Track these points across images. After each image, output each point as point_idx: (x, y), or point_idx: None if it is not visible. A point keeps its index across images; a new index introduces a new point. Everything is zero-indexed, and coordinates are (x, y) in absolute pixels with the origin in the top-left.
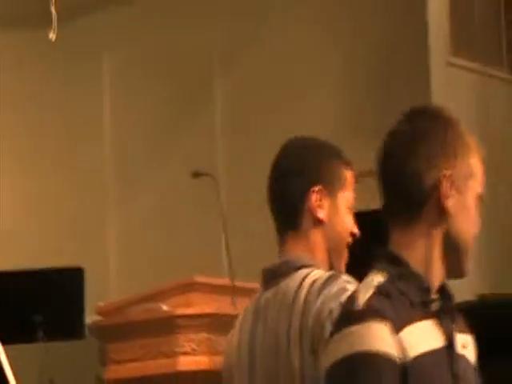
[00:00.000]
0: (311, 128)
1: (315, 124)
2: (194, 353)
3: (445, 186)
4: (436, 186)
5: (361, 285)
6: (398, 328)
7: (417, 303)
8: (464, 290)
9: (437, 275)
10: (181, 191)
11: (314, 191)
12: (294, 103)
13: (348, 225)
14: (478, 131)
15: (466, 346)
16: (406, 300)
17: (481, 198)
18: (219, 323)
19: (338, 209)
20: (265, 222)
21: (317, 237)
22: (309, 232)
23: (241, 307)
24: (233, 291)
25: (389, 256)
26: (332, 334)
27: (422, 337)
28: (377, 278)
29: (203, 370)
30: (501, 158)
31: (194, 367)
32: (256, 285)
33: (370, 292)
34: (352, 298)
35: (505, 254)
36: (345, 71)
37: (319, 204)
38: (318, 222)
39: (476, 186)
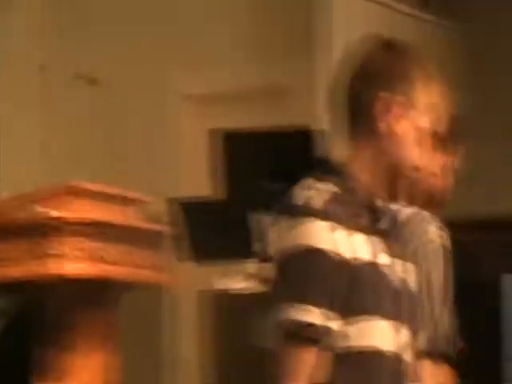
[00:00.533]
0: None
1: None
2: (75, 259)
3: (379, 107)
4: (372, 106)
5: (314, 189)
6: (349, 232)
7: (361, 217)
8: None
9: (377, 192)
10: None
11: None
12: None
13: None
14: None
15: (406, 271)
16: (352, 211)
17: (432, 134)
18: (104, 231)
19: None
20: None
21: None
22: None
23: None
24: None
25: (338, 168)
26: (280, 224)
27: (368, 247)
28: (329, 187)
29: (84, 277)
30: None
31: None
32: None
33: (327, 197)
34: (306, 198)
35: None
36: None
37: None
38: None
39: (419, 118)
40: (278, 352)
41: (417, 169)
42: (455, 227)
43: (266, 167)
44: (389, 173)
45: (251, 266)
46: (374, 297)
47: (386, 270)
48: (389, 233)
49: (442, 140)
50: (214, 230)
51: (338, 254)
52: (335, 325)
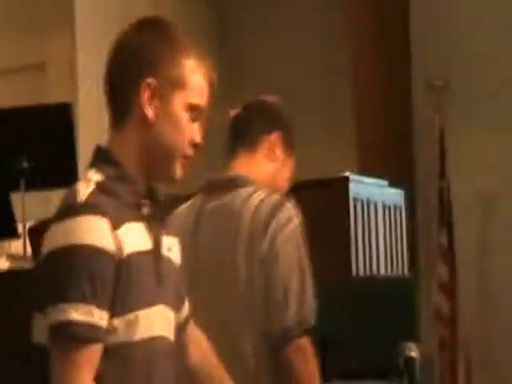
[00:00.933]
0: None
1: None
2: None
3: (144, 94)
4: (138, 94)
5: (81, 181)
6: (115, 225)
7: (131, 205)
8: None
9: (145, 179)
10: None
11: None
12: None
13: None
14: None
15: (172, 248)
16: (121, 200)
17: (198, 108)
18: None
19: None
20: None
21: None
22: None
23: None
24: None
25: (105, 156)
26: (51, 224)
27: (134, 237)
28: (96, 176)
29: None
30: None
31: None
32: None
33: (91, 188)
34: (74, 191)
35: None
36: None
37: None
38: None
39: (186, 95)
40: (53, 352)
41: (195, 145)
42: None
43: (25, 144)
44: (164, 156)
45: (14, 245)
46: (140, 289)
47: (150, 257)
48: (153, 216)
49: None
50: None
51: (103, 249)
52: (103, 321)
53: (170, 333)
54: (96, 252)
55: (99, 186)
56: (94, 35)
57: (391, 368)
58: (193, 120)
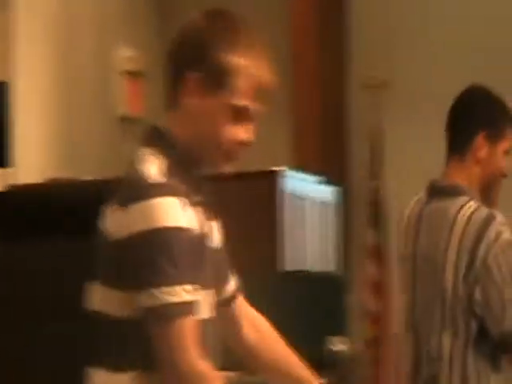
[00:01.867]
0: None
1: None
2: None
3: (187, 86)
4: (183, 84)
5: (142, 161)
6: (184, 206)
7: (190, 189)
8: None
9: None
10: None
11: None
12: None
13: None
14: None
15: (212, 231)
16: (183, 183)
17: (245, 110)
18: None
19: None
20: None
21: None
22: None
23: None
24: None
25: (166, 138)
26: (126, 204)
27: (199, 219)
28: (159, 158)
29: None
30: None
31: None
32: None
33: (159, 169)
34: (139, 172)
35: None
36: None
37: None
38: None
39: (230, 97)
40: (158, 332)
41: (241, 144)
42: None
43: None
44: (203, 148)
45: None
46: (205, 270)
47: (208, 241)
48: (205, 200)
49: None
50: None
51: (186, 228)
52: (200, 296)
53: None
54: (181, 231)
55: (165, 169)
56: (33, 14)
57: (318, 362)
58: (238, 121)
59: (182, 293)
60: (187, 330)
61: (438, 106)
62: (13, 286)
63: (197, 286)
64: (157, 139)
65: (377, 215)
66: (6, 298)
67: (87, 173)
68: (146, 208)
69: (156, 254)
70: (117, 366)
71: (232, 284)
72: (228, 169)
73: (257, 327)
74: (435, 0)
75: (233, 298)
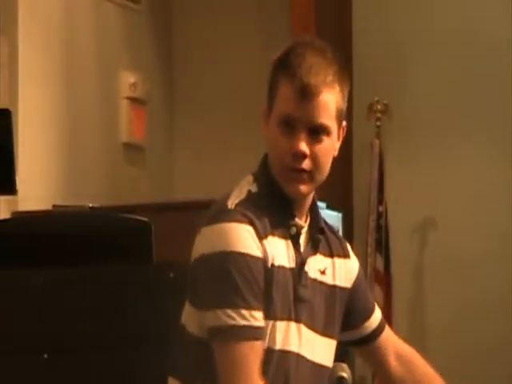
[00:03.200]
0: None
1: None
2: None
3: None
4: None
5: (235, 190)
6: (261, 235)
7: (279, 222)
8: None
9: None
10: None
11: None
12: None
13: None
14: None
15: (326, 270)
16: (269, 215)
17: (291, 118)
18: None
19: None
20: None
21: None
22: None
23: None
24: None
25: (264, 166)
26: (202, 226)
27: (278, 251)
28: (251, 186)
29: None
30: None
31: None
32: None
33: (243, 196)
34: (226, 196)
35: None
36: None
37: None
38: None
39: (277, 107)
40: (220, 352)
41: (296, 155)
42: None
43: None
44: (275, 171)
45: None
46: (278, 301)
47: (291, 275)
48: (298, 237)
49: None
50: None
51: (254, 255)
52: (259, 322)
53: (310, 354)
54: (247, 258)
55: (251, 196)
56: (36, 41)
57: None
58: (289, 131)
59: (247, 316)
60: (249, 354)
61: (439, 131)
62: None
63: (261, 314)
64: (260, 165)
65: (384, 241)
66: None
67: (91, 199)
68: (218, 231)
69: (222, 277)
70: (190, 381)
71: (374, 321)
72: (302, 189)
73: (403, 359)
74: (439, 24)
75: (374, 335)
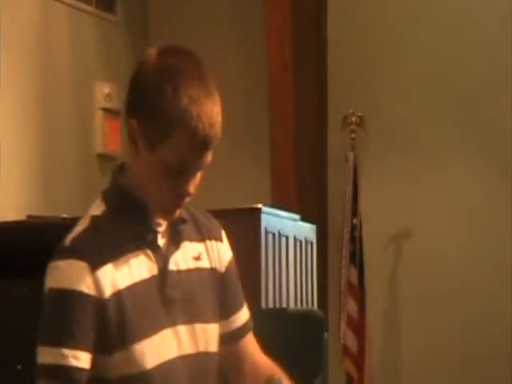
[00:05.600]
0: None
1: None
2: None
3: (130, 131)
4: (128, 128)
5: (82, 218)
6: (96, 267)
7: (134, 234)
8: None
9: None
10: None
11: None
12: None
13: None
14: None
15: (201, 255)
16: (118, 234)
17: (182, 165)
18: None
19: None
20: None
21: None
22: None
23: None
24: None
25: (115, 181)
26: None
27: (127, 271)
28: (97, 209)
29: None
30: None
31: None
32: None
33: (85, 225)
34: (69, 233)
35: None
36: None
37: None
38: None
39: (165, 155)
40: None
41: (182, 196)
42: None
43: None
44: (149, 196)
45: None
46: (138, 321)
47: (152, 283)
48: (155, 241)
49: None
50: None
51: (82, 292)
52: (78, 362)
53: (193, 347)
54: (74, 297)
55: (93, 223)
56: (11, 53)
57: None
58: (176, 176)
59: (66, 355)
60: None
61: (413, 143)
62: None
63: (84, 354)
64: (111, 180)
65: (358, 253)
66: None
67: (66, 210)
68: (51, 268)
69: (48, 315)
70: None
71: (240, 319)
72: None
73: (255, 366)
74: (413, 36)
75: (238, 334)
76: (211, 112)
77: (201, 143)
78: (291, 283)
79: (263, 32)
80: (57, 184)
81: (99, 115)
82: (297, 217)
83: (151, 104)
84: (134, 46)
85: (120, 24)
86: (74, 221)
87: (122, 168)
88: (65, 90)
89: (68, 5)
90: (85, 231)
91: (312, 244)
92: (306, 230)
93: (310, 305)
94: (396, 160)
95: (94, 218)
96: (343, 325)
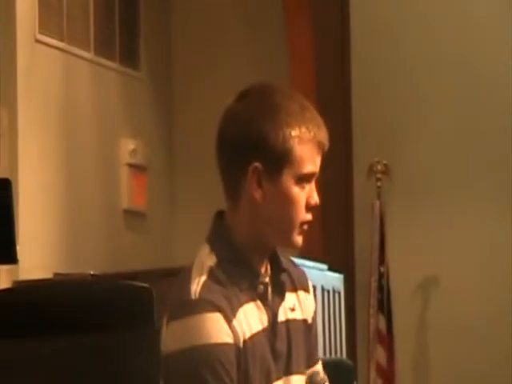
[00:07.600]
0: None
1: None
2: None
3: (251, 179)
4: (245, 179)
5: (194, 268)
6: (230, 316)
7: (245, 287)
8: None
9: (264, 252)
10: None
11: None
12: None
13: None
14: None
15: (295, 306)
16: (235, 284)
17: (310, 176)
18: None
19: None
20: None
21: None
22: None
23: None
24: None
25: (221, 235)
26: (169, 320)
27: (249, 320)
28: (210, 260)
29: None
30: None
31: None
32: None
33: (204, 278)
34: (187, 282)
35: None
36: None
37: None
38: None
39: (296, 169)
40: None
41: (312, 208)
42: None
43: None
44: (280, 231)
45: None
46: (258, 371)
47: (266, 335)
48: (266, 293)
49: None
50: None
51: (226, 343)
52: None
53: None
54: (217, 349)
55: (212, 274)
56: (35, 111)
57: None
58: (305, 187)
59: None
60: None
61: (439, 190)
62: None
63: None
64: (214, 234)
65: (386, 301)
66: None
67: (92, 266)
68: (185, 325)
69: (193, 375)
70: None
71: (320, 370)
72: (297, 248)
73: None
74: (436, 83)
75: None
76: (316, 115)
77: (318, 147)
78: (320, 333)
79: (289, 83)
80: (82, 240)
81: (124, 171)
82: (324, 267)
83: (268, 141)
84: (158, 101)
85: (144, 80)
86: (102, 277)
87: (221, 217)
88: (89, 147)
89: (92, 62)
90: (207, 283)
91: (340, 293)
92: (334, 280)
93: (339, 354)
94: (422, 207)
95: (212, 270)
96: (373, 373)
